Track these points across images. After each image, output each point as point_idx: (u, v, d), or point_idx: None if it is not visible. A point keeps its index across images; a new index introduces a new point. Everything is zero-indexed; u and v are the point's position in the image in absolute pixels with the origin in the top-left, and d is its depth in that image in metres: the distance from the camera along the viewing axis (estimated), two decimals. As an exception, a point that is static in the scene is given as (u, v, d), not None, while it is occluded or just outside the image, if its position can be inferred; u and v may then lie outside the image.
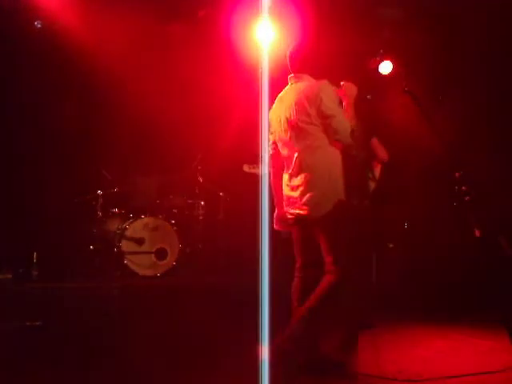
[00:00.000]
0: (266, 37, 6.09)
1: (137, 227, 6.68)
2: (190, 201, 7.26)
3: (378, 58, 7.05)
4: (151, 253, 6.62)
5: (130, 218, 6.77)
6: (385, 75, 7.03)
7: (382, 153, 5.28)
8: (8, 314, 4.78)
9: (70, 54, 6.79)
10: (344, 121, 3.39)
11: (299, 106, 3.43)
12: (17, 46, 6.80)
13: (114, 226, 6.78)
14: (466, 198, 3.53)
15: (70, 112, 7.30)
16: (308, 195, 3.42)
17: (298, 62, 3.62)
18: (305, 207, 3.44)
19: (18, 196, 6.75)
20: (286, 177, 3.61)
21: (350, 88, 3.57)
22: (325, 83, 3.45)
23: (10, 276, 6.08)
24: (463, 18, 6.51)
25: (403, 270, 5.94)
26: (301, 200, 3.46)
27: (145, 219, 6.74)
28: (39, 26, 6.74)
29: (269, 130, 3.69)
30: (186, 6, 6.94)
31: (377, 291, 5.75)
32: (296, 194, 3.49)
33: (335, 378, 3.47)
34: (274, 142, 3.69)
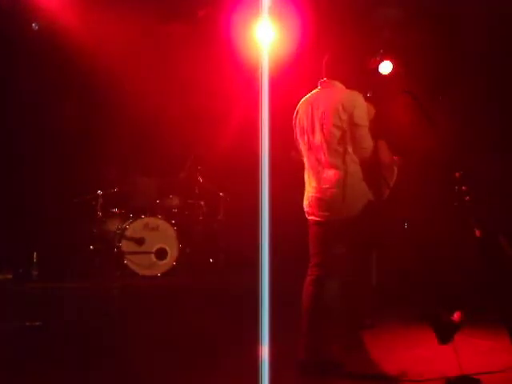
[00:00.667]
0: (265, 37, 6.10)
1: (137, 227, 6.68)
2: (189, 201, 7.27)
3: (377, 58, 7.05)
4: (151, 253, 6.62)
5: (130, 217, 6.77)
6: (385, 75, 7.03)
7: (386, 156, 5.27)
8: (8, 314, 4.78)
9: (70, 54, 6.79)
10: (368, 133, 3.52)
11: (334, 112, 3.51)
12: (16, 46, 6.80)
13: (114, 226, 6.78)
14: (466, 198, 3.53)
15: (69, 112, 7.31)
16: (339, 197, 3.49)
17: (334, 69, 3.69)
18: (335, 209, 3.50)
19: (18, 196, 6.76)
20: (312, 180, 3.64)
21: (369, 109, 3.67)
22: (359, 94, 3.57)
23: (10, 276, 6.09)
24: (463, 17, 6.51)
25: (403, 269, 5.94)
26: (331, 202, 3.51)
27: (145, 219, 6.74)
28: (36, 27, 6.74)
29: (297, 134, 3.76)
30: (186, 5, 6.94)
31: (377, 291, 5.75)
32: (325, 196, 3.54)
33: (335, 378, 3.47)
34: (295, 139, 3.78)
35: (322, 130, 3.55)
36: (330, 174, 3.52)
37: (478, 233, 3.58)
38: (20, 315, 4.77)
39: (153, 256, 6.63)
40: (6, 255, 6.19)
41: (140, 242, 6.63)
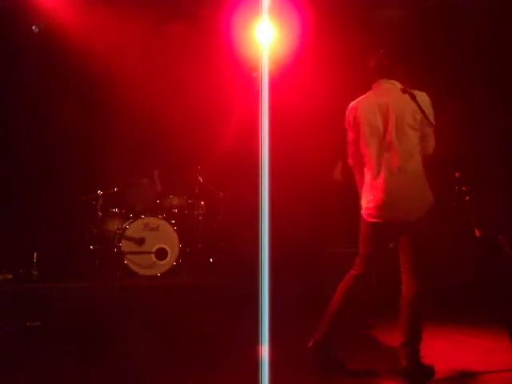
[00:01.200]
0: (265, 37, 6.10)
1: (137, 227, 6.68)
2: (190, 201, 7.27)
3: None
4: (151, 253, 6.62)
5: (130, 217, 6.78)
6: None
7: None
8: (8, 314, 4.78)
9: (71, 55, 6.79)
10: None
11: (410, 113, 3.53)
12: (18, 47, 6.81)
13: (114, 226, 6.78)
14: (466, 198, 3.53)
15: (69, 112, 7.30)
16: (405, 199, 3.53)
17: (392, 68, 3.72)
18: (401, 211, 3.53)
19: (19, 196, 6.76)
20: (378, 182, 3.59)
21: None
22: (425, 94, 3.62)
23: (10, 276, 6.09)
24: (464, 17, 6.51)
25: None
26: (403, 204, 3.53)
27: (145, 219, 6.74)
28: (36, 30, 6.75)
29: (350, 129, 3.73)
30: (187, 6, 6.94)
31: (377, 292, 5.75)
32: (396, 198, 3.54)
33: (336, 378, 3.47)
34: (353, 141, 3.73)
35: (396, 131, 3.54)
36: (402, 176, 3.52)
37: (477, 233, 3.58)
38: (20, 315, 4.77)
39: (153, 256, 6.63)
40: (6, 255, 6.19)
41: (140, 242, 6.63)
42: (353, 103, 3.75)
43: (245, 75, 6.64)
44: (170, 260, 6.68)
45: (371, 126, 3.60)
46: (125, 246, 6.56)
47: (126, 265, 6.48)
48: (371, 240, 3.64)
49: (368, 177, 3.65)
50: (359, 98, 3.74)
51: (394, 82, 3.66)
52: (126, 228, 6.64)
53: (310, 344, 3.55)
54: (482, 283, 4.94)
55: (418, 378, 3.36)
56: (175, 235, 6.76)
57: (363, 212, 3.67)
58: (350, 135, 3.74)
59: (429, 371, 3.41)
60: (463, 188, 3.54)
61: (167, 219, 6.85)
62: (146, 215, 6.78)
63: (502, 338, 3.78)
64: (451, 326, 4.78)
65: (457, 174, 3.59)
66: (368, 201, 3.63)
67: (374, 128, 3.59)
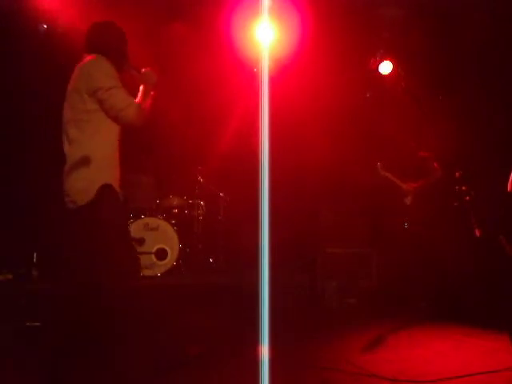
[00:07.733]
0: (265, 37, 6.11)
1: (137, 227, 6.68)
2: (190, 201, 7.27)
3: (377, 58, 7.05)
4: (151, 253, 6.62)
5: (130, 217, 6.77)
6: (385, 75, 7.03)
7: None
8: (8, 314, 4.78)
9: (71, 54, 6.78)
10: None
11: None
12: (21, 47, 6.82)
13: (113, 226, 6.77)
14: (466, 198, 3.54)
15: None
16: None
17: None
18: None
19: (19, 196, 6.75)
20: None
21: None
22: None
23: (10, 276, 6.08)
24: (463, 17, 6.52)
25: (403, 270, 5.95)
26: None
27: (145, 219, 6.74)
28: (44, 27, 6.76)
29: None
30: (187, 6, 6.95)
31: (377, 291, 5.76)
32: None
33: (336, 378, 3.47)
34: None
35: None
36: None
37: (477, 233, 3.59)
38: (20, 315, 4.77)
39: (153, 256, 6.63)
40: (6, 255, 6.18)
41: (140, 242, 6.63)
42: None
43: (245, 76, 6.64)
44: (170, 260, 6.68)
45: None
46: (125, 246, 6.56)
47: (126, 265, 6.48)
48: None
49: None
50: None
51: None
52: (126, 228, 6.64)
53: None
54: (483, 283, 4.95)
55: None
56: (175, 235, 6.76)
57: None
58: None
59: None
60: (463, 188, 3.54)
61: (167, 219, 6.85)
62: (145, 215, 6.78)
63: (502, 337, 3.78)
64: (451, 326, 4.78)
65: (457, 174, 3.60)
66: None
67: None
